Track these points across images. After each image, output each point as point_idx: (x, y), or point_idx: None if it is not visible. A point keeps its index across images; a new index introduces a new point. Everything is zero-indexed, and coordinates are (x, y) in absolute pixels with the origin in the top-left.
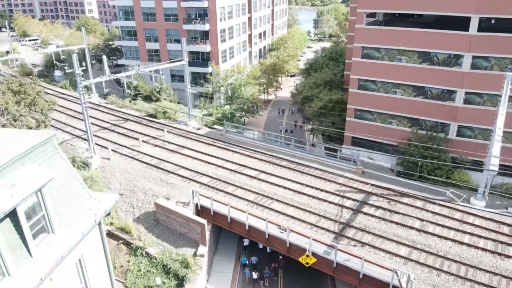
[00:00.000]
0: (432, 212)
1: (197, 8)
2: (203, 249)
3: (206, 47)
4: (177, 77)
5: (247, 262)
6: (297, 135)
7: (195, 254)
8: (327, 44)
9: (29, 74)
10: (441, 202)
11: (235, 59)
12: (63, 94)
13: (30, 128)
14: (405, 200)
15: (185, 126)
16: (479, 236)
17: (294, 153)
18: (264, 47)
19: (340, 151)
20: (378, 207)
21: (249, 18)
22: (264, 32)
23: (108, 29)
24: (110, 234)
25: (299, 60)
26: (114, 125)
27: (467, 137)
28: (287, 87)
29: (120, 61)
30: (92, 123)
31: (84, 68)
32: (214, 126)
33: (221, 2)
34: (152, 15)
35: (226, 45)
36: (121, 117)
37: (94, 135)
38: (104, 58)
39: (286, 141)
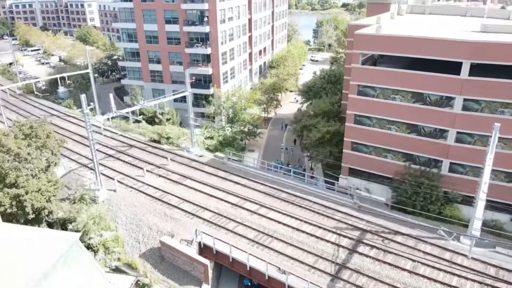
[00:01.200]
0: (424, 252)
1: (199, 32)
2: None
3: (208, 70)
4: (178, 98)
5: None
6: (297, 152)
7: None
8: (326, 55)
9: (33, 92)
10: (433, 241)
11: (236, 79)
12: (68, 115)
13: (40, 169)
14: (399, 238)
15: (188, 153)
16: (466, 278)
17: (294, 184)
18: (265, 62)
19: (337, 184)
20: (372, 246)
21: (250, 37)
22: (264, 48)
23: (109, 38)
24: (117, 270)
25: (299, 73)
26: (119, 152)
27: (459, 173)
28: (287, 103)
29: (123, 81)
30: (97, 150)
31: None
32: (216, 154)
33: (222, 26)
34: (155, 38)
35: (227, 66)
36: (125, 143)
37: (100, 163)
38: (111, 95)
39: (286, 170)
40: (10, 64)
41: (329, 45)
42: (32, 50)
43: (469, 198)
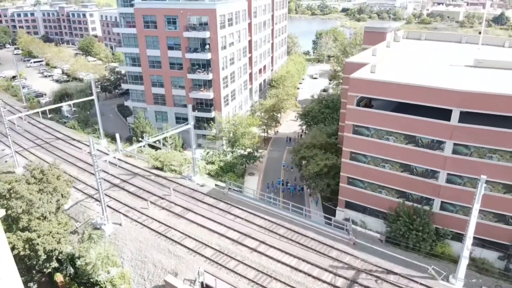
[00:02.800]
0: None
1: (200, 59)
2: None
3: (209, 95)
4: (181, 119)
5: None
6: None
7: None
8: (326, 66)
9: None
10: (423, 281)
11: (237, 100)
12: (73, 139)
13: (50, 212)
14: (391, 277)
15: (190, 182)
16: None
17: (292, 218)
18: (265, 80)
19: (334, 220)
20: (366, 287)
21: (250, 58)
22: (264, 66)
23: (111, 48)
24: None
25: (299, 88)
26: (124, 181)
27: (449, 212)
28: (286, 121)
29: (127, 103)
30: (102, 178)
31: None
32: (217, 183)
33: (223, 53)
34: (158, 62)
35: (228, 90)
36: (129, 171)
37: (105, 194)
38: (117, 135)
39: (284, 203)
40: (13, 77)
41: (329, 57)
42: (34, 62)
43: (460, 234)
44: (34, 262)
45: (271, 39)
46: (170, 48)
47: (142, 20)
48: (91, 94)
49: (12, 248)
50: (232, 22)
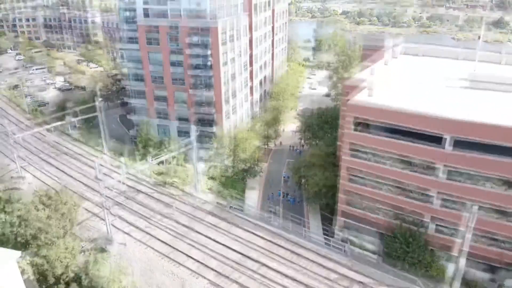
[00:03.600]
0: None
1: (203, 76)
2: None
3: (211, 110)
4: (183, 133)
5: None
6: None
7: None
8: (325, 73)
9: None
10: None
11: (238, 114)
12: (77, 154)
13: (58, 237)
14: None
15: (192, 199)
16: None
17: (292, 239)
18: (265, 91)
19: (333, 237)
20: None
21: (251, 71)
22: (265, 77)
23: (112, 54)
24: None
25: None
26: (127, 198)
27: (443, 234)
28: (286, 131)
29: (129, 116)
30: (106, 196)
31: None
32: (219, 202)
33: (225, 68)
34: (161, 78)
35: (229, 105)
36: (133, 188)
37: (109, 212)
38: (123, 159)
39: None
40: (16, 86)
41: (328, 64)
42: (37, 69)
43: (454, 256)
44: (44, 286)
45: (271, 50)
46: (173, 64)
47: (145, 36)
48: (94, 106)
49: (22, 272)
50: (233, 38)
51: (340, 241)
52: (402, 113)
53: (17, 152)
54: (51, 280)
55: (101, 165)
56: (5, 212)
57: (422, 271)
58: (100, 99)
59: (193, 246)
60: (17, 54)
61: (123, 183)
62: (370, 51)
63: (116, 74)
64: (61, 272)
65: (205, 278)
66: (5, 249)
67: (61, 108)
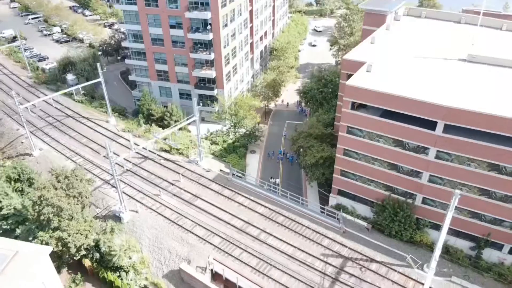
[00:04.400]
0: (392, 281)
1: (202, 39)
2: None
3: (212, 73)
4: (184, 95)
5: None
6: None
7: None
8: (328, 22)
9: (44, 82)
10: (401, 270)
11: (238, 74)
12: (82, 116)
13: (77, 213)
14: (373, 266)
15: (197, 166)
16: None
17: (290, 206)
18: (266, 46)
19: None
20: (351, 275)
21: (251, 28)
22: (265, 32)
23: (109, 6)
24: None
25: (300, 51)
26: (135, 165)
27: (430, 206)
28: (287, 90)
29: (130, 77)
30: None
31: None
32: (221, 169)
33: (225, 31)
34: (160, 40)
35: (229, 66)
36: (140, 155)
37: (120, 180)
38: (131, 137)
39: (283, 191)
40: (14, 38)
41: (331, 11)
42: (32, 18)
43: (437, 225)
44: (67, 256)
45: (272, 2)
46: (172, 26)
47: None
48: (95, 63)
49: (46, 245)
50: None
51: (334, 208)
52: (397, 98)
53: (25, 117)
54: (73, 250)
55: (107, 129)
56: (24, 193)
57: (408, 237)
58: (98, 49)
59: (199, 213)
60: (11, 1)
61: (128, 140)
62: (373, 16)
63: (113, 23)
64: (82, 243)
65: (211, 243)
66: (36, 245)
67: (62, 66)
